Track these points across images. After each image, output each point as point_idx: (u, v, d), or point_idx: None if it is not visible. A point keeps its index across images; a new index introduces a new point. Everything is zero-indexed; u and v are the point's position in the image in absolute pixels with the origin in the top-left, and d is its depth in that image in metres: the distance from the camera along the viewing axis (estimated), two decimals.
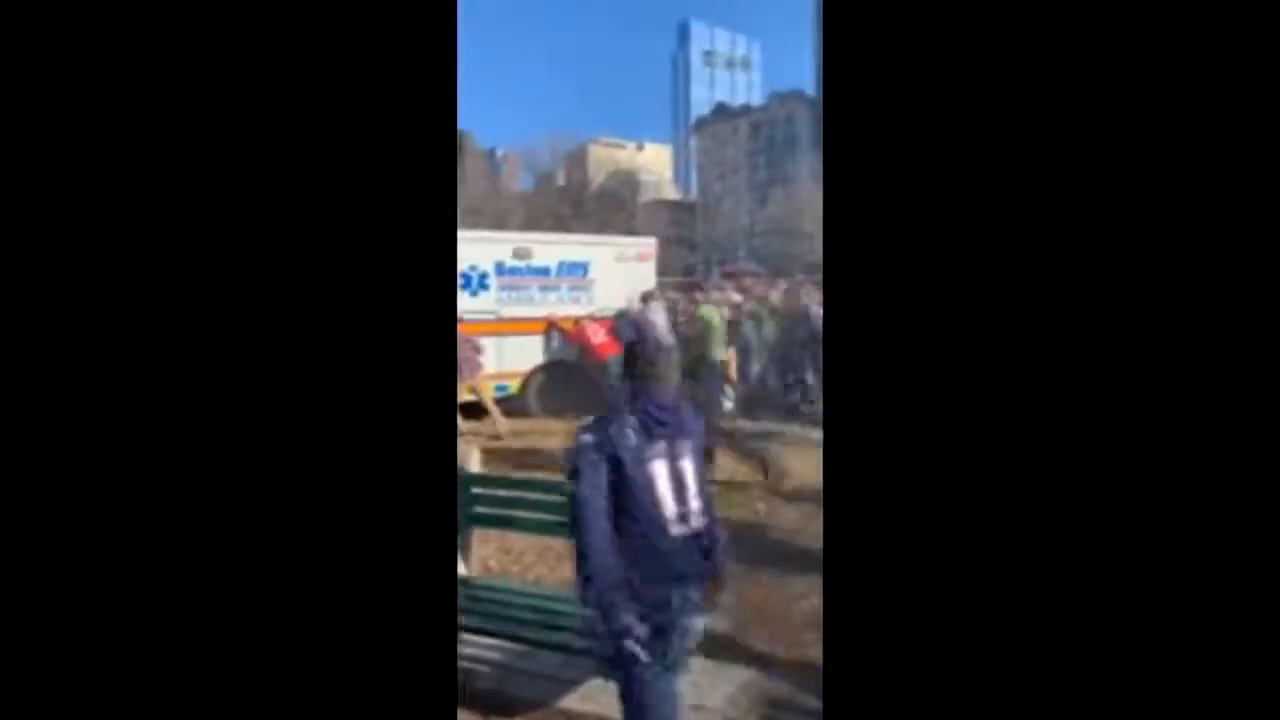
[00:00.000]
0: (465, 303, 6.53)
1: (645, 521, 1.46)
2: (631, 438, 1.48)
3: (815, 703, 1.90)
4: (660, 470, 1.49)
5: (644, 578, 1.45)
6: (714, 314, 5.00)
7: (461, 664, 1.87)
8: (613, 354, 6.40)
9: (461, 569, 2.23)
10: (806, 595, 2.65)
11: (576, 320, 6.64)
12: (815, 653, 2.22)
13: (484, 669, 2.02)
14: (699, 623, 1.58)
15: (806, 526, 3.44)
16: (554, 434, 5.54)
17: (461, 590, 1.99)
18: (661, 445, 1.51)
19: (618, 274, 7.10)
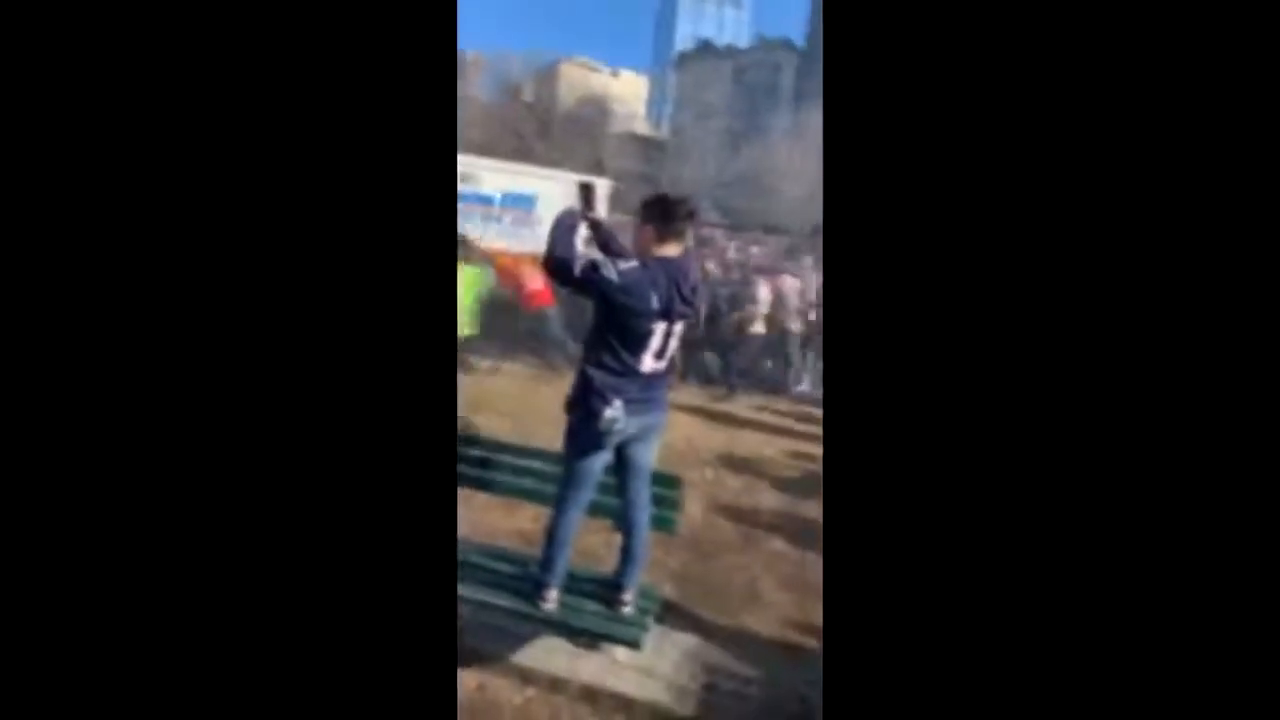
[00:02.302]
0: None
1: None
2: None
3: (753, 672, 2.05)
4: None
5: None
6: None
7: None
8: (547, 305, 5.80)
9: None
10: (746, 567, 2.80)
11: (515, 258, 5.96)
12: (752, 622, 2.37)
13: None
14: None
15: (751, 494, 3.60)
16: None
17: None
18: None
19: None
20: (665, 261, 1.74)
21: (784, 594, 2.59)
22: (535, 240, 6.82)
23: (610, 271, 1.65)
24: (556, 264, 1.69)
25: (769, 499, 3.57)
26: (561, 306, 5.91)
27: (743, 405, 5.49)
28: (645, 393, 1.78)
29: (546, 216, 7.03)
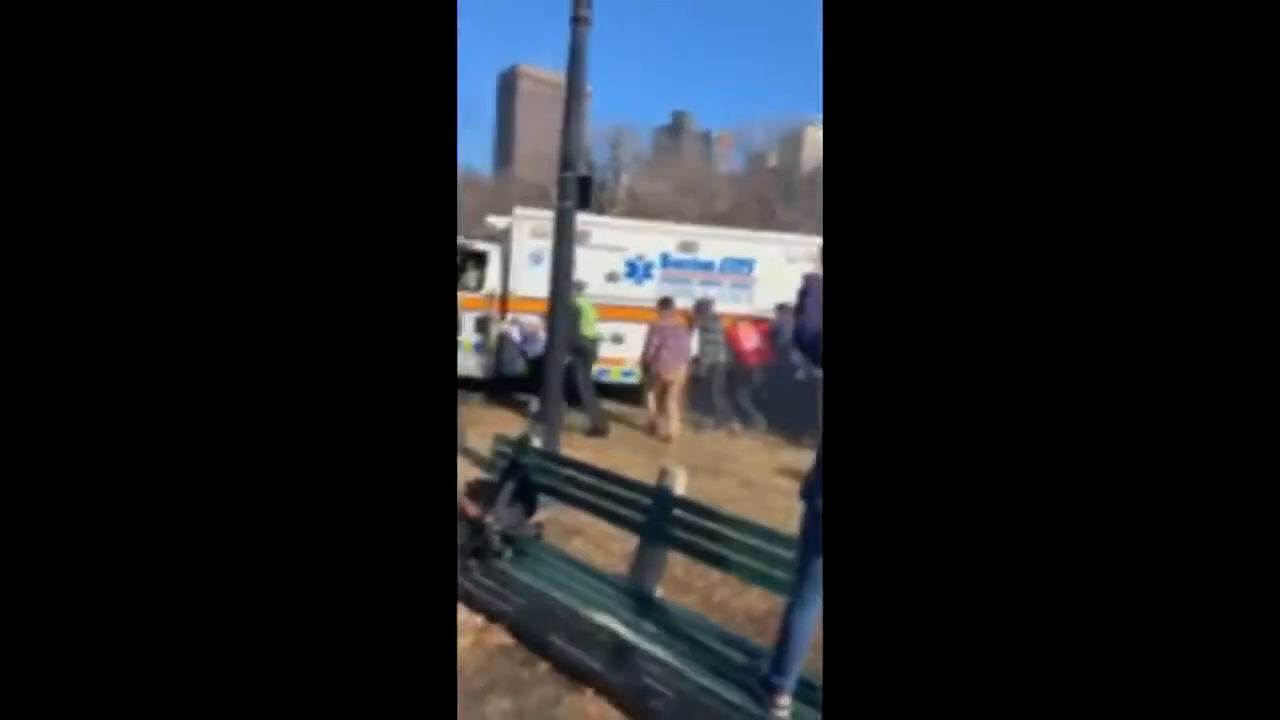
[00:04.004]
0: (628, 290, 6.74)
1: None
2: None
3: None
4: None
5: None
6: None
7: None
8: (762, 362, 5.99)
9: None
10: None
11: (734, 320, 6.39)
12: None
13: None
14: None
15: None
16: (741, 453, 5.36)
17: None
18: None
19: (785, 274, 6.68)
20: None
21: None
22: (751, 301, 6.88)
23: None
24: (812, 340, 1.60)
25: None
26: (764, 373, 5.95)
27: None
28: None
29: (763, 278, 6.99)
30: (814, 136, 47.39)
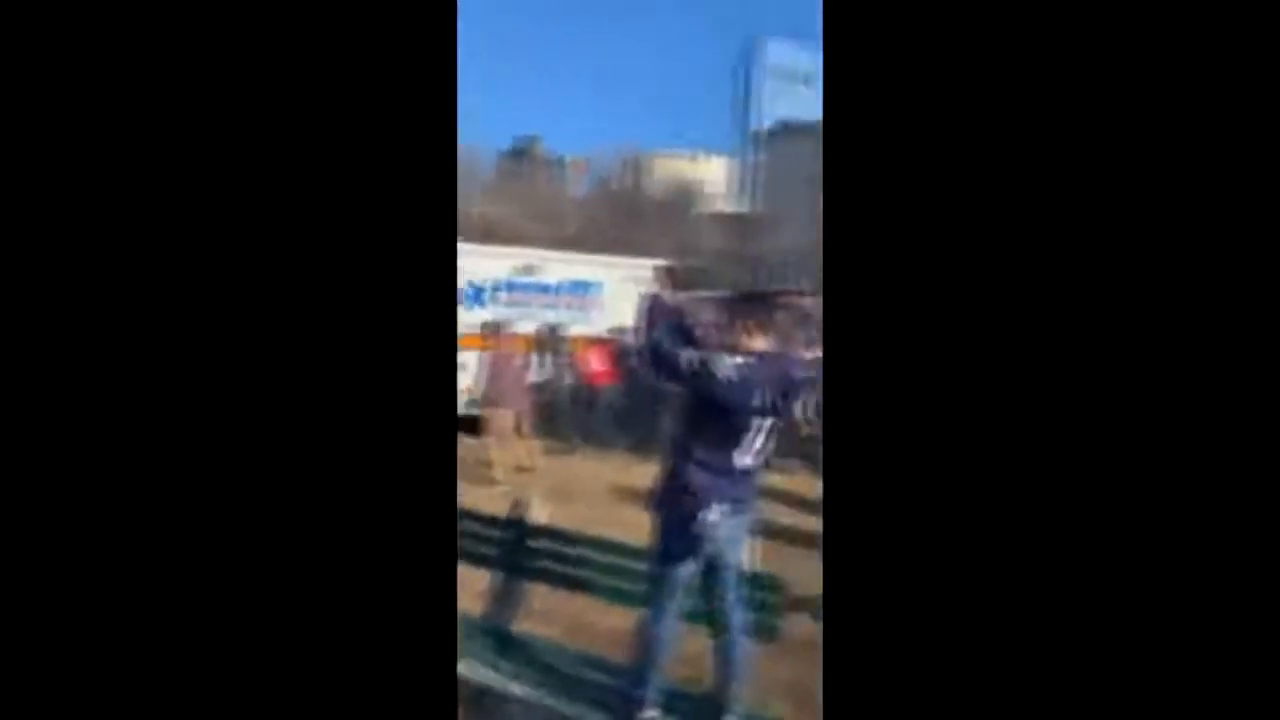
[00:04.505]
0: (465, 316, 6.31)
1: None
2: None
3: None
4: None
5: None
6: None
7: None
8: (609, 383, 6.07)
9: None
10: None
11: (581, 343, 6.39)
12: None
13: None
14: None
15: None
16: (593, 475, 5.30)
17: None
18: None
19: (630, 296, 6.91)
20: (770, 358, 1.73)
21: None
22: (597, 324, 6.94)
23: (721, 369, 1.61)
24: (661, 358, 1.67)
25: None
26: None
27: None
28: (740, 491, 1.73)
29: (609, 302, 7.08)
30: (663, 165, 49.76)
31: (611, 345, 6.37)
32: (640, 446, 5.99)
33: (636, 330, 1.75)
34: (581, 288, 7.19)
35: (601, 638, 2.62)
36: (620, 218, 33.62)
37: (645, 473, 5.32)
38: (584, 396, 6.18)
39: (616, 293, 7.04)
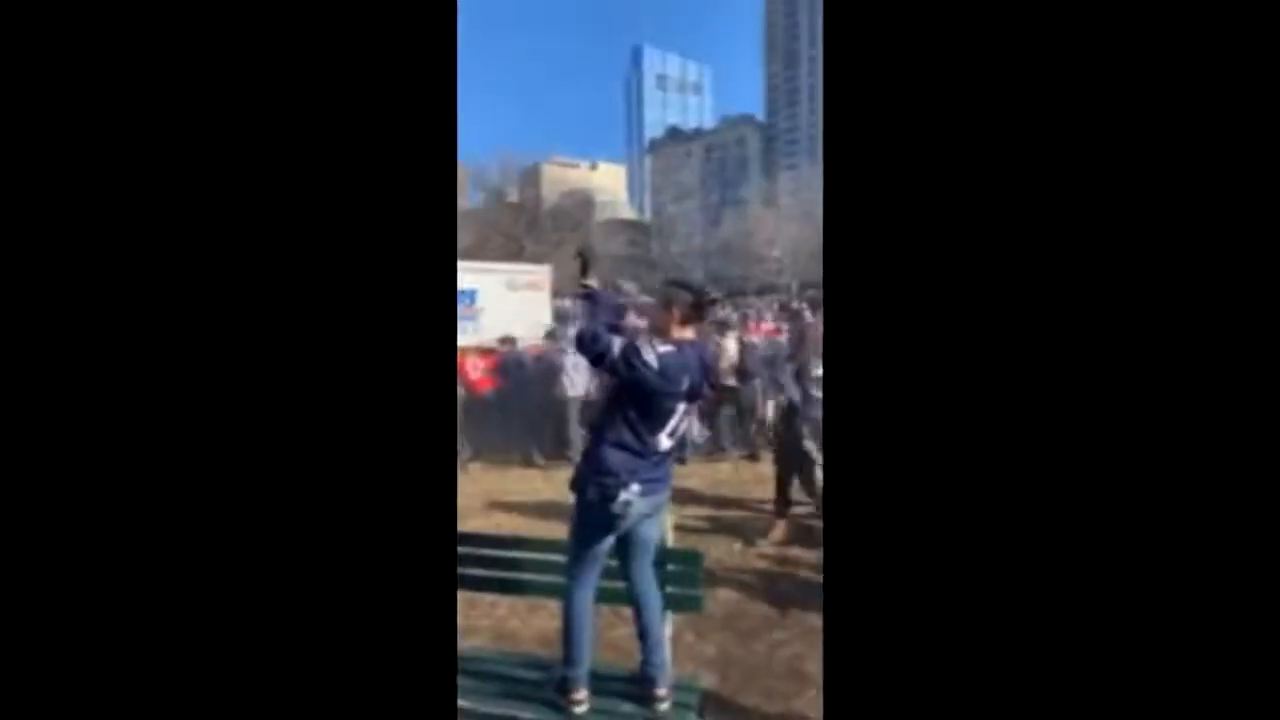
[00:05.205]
0: None
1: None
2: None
3: None
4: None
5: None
6: None
7: None
8: (489, 389, 5.87)
9: None
10: (789, 644, 2.61)
11: (460, 352, 6.08)
12: (803, 705, 2.17)
13: None
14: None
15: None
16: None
17: None
18: None
19: (508, 303, 6.65)
20: (693, 345, 1.82)
21: None
22: (477, 332, 6.62)
23: (650, 356, 1.69)
24: (590, 344, 1.72)
25: (807, 569, 3.38)
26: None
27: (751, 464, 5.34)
28: (657, 471, 1.79)
29: (486, 309, 6.80)
30: (550, 174, 49.58)
31: (493, 355, 6.07)
32: (524, 453, 5.83)
33: (573, 318, 1.80)
34: (461, 296, 6.67)
35: (528, 642, 2.58)
36: (518, 228, 33.16)
37: (533, 476, 5.22)
38: (467, 407, 5.90)
39: (497, 299, 6.72)
